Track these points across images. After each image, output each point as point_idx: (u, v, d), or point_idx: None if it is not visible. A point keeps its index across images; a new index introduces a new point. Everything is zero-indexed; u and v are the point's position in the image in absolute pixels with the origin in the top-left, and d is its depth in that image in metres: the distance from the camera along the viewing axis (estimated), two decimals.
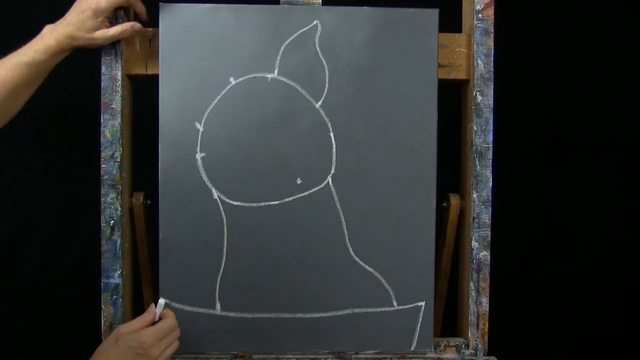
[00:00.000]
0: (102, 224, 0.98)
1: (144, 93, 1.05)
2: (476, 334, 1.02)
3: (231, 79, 0.96)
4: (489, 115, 1.01)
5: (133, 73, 1.00)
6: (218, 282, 0.97)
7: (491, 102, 1.01)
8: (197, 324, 0.96)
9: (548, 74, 1.47)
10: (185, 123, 0.95)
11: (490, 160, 1.01)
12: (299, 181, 0.97)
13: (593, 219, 1.51)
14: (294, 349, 0.99)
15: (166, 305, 0.94)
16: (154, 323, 0.90)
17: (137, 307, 1.06)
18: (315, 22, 0.96)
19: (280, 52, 0.96)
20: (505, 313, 1.24)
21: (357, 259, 0.98)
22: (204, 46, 0.95)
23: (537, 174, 1.48)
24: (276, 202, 0.97)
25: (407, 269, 0.99)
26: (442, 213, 1.05)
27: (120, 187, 0.98)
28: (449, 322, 1.09)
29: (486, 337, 1.02)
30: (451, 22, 1.03)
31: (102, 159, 0.98)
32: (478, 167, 1.01)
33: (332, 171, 0.97)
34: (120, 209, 0.98)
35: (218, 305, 0.97)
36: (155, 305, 0.92)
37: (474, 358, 1.02)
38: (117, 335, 0.86)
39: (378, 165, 0.97)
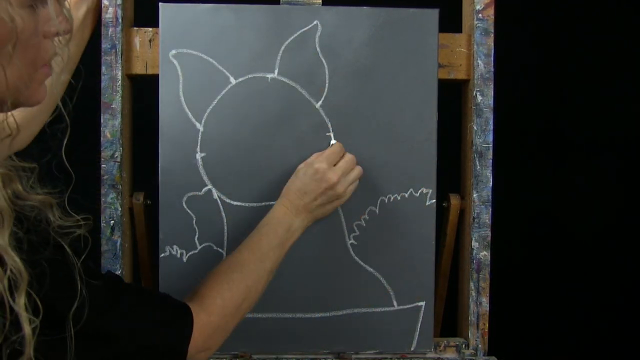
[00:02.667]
0: (102, 224, 0.98)
1: (144, 93, 1.05)
2: (476, 334, 1.02)
3: (231, 79, 0.96)
4: (489, 115, 1.01)
5: (133, 73, 1.00)
6: None
7: (491, 102, 1.01)
8: None
9: (548, 74, 1.47)
10: (185, 123, 0.95)
11: (491, 160, 1.01)
12: None
13: (593, 218, 1.51)
14: (294, 349, 0.99)
15: None
16: None
17: None
18: (315, 22, 0.96)
19: (281, 52, 0.96)
20: (505, 313, 1.24)
21: (357, 259, 0.98)
22: (203, 46, 0.95)
23: (537, 173, 1.48)
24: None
25: (407, 269, 0.99)
26: (442, 213, 1.05)
27: (120, 187, 0.98)
28: (449, 322, 1.09)
29: (486, 337, 1.02)
30: (451, 22, 1.03)
31: (102, 159, 0.98)
32: (478, 167, 1.01)
33: None
34: (120, 208, 0.98)
35: None
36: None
37: (474, 358, 1.02)
38: (296, 171, 0.91)
39: (378, 165, 0.97)
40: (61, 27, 0.58)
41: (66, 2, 0.59)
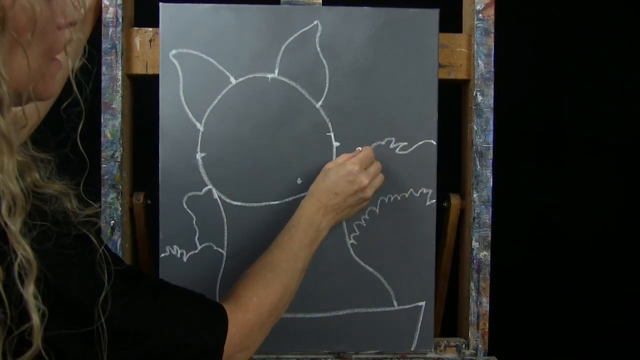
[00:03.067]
0: (103, 224, 0.98)
1: (144, 93, 1.05)
2: (476, 334, 1.02)
3: (232, 79, 0.96)
4: (489, 115, 1.01)
5: (133, 73, 1.00)
6: (218, 282, 0.97)
7: (491, 102, 1.01)
8: None
9: (548, 74, 1.47)
10: (185, 123, 0.95)
11: (491, 160, 1.01)
12: (299, 181, 0.97)
13: (593, 218, 1.51)
14: (294, 349, 0.99)
15: None
16: None
17: None
18: (315, 22, 0.96)
19: (281, 52, 0.96)
20: (506, 313, 1.24)
21: (357, 259, 0.98)
22: (204, 46, 0.95)
23: (537, 173, 1.48)
24: (276, 202, 0.97)
25: (407, 269, 0.99)
26: (442, 213, 1.05)
27: (121, 187, 0.98)
28: (449, 322, 1.09)
29: (486, 337, 1.02)
30: (451, 22, 1.03)
31: (103, 159, 0.98)
32: (478, 167, 1.01)
33: None
34: (120, 208, 0.98)
35: None
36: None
37: (474, 358, 1.02)
38: (325, 171, 0.91)
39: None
40: (75, 16, 0.58)
41: None
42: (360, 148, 0.95)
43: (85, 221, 0.59)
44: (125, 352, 0.61)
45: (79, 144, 0.63)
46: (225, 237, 0.97)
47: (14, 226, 0.52)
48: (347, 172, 0.89)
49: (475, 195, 1.01)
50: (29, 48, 0.54)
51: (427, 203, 0.98)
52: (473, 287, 1.02)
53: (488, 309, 1.02)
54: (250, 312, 0.73)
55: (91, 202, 0.62)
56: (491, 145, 1.01)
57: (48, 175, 0.59)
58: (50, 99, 0.84)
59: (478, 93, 1.01)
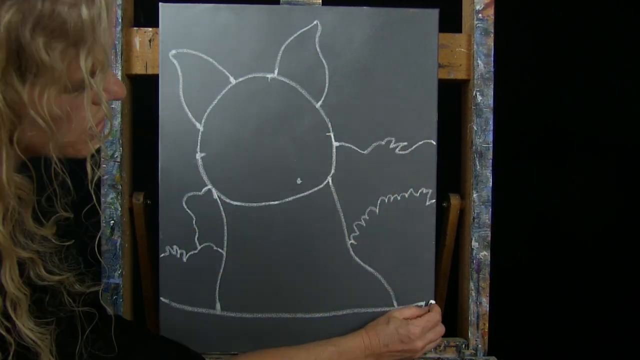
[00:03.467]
0: (102, 224, 0.97)
1: (144, 93, 1.05)
2: (476, 334, 1.02)
3: (231, 79, 0.96)
4: (489, 115, 1.01)
5: (133, 73, 0.99)
6: (218, 282, 0.97)
7: (491, 102, 1.00)
8: (196, 324, 0.96)
9: (548, 74, 1.47)
10: (185, 123, 0.95)
11: (491, 160, 1.01)
12: (299, 181, 0.97)
13: (594, 218, 1.51)
14: None
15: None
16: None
17: (137, 307, 1.06)
18: (315, 22, 0.96)
19: (281, 52, 0.96)
20: (506, 313, 1.24)
21: (357, 259, 0.98)
22: (203, 46, 0.95)
23: (537, 173, 1.48)
24: (276, 202, 0.97)
25: (407, 269, 0.98)
26: (442, 213, 1.04)
27: (120, 187, 0.98)
28: (449, 322, 1.08)
29: (486, 337, 1.02)
30: (451, 22, 1.03)
31: (102, 159, 0.97)
32: (478, 167, 1.01)
33: (332, 171, 0.97)
34: (120, 209, 0.98)
35: (218, 305, 0.97)
36: (425, 304, 0.97)
37: (474, 358, 1.02)
38: (389, 317, 0.93)
39: (378, 165, 0.97)
40: (117, 94, 0.63)
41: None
42: (432, 302, 0.97)
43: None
44: None
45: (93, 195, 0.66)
46: (225, 237, 0.96)
47: (21, 323, 0.57)
48: (407, 332, 0.91)
49: (475, 195, 1.01)
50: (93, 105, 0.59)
51: (427, 203, 0.98)
52: (473, 287, 1.02)
53: (488, 309, 1.02)
54: None
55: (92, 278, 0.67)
56: (491, 145, 1.01)
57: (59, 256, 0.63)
58: None
59: (478, 93, 1.00)
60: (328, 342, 0.90)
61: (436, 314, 0.95)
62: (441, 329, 0.95)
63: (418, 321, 0.93)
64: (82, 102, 0.57)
